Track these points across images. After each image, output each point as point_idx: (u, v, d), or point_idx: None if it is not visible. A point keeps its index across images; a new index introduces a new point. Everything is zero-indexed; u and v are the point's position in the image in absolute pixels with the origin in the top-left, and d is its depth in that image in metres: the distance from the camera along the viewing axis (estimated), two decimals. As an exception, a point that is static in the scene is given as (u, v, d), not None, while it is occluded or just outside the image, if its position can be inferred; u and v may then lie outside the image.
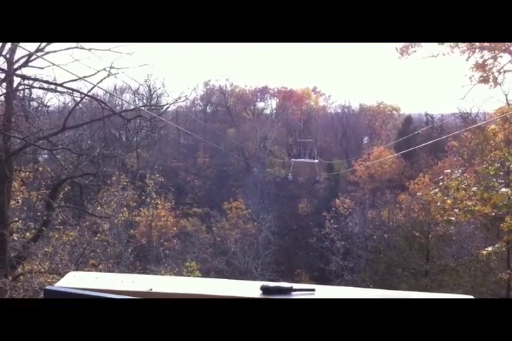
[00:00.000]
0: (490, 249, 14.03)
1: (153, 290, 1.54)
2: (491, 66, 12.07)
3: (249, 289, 1.58)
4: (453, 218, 15.02)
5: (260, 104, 52.99)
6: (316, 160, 40.51)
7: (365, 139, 50.48)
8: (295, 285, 1.58)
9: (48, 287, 1.39)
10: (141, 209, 24.99)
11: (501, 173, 14.05)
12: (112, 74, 12.41)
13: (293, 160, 41.91)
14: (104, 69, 12.21)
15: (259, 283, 1.58)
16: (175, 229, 28.27)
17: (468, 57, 11.62)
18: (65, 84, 12.39)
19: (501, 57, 11.43)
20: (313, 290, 1.59)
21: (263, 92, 52.41)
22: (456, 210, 14.34)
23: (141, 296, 1.33)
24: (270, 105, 53.89)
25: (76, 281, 1.60)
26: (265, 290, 1.55)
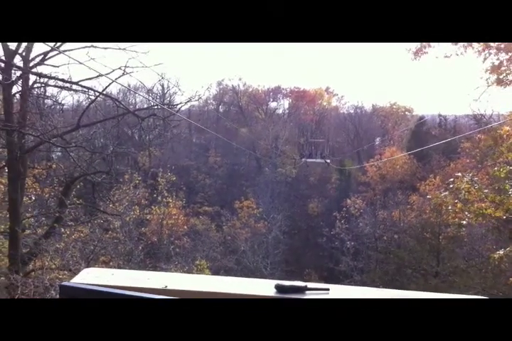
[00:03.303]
0: (501, 252, 13.84)
1: (169, 288, 1.54)
2: (505, 68, 11.93)
3: (264, 287, 1.57)
4: (464, 222, 14.86)
5: (273, 104, 53.20)
6: (328, 160, 40.52)
7: (378, 140, 50.20)
8: (309, 285, 1.57)
9: (64, 283, 1.39)
10: (153, 207, 25.08)
11: (512, 176, 13.86)
12: (127, 73, 12.41)
13: (304, 159, 41.92)
14: (120, 68, 12.20)
15: (274, 282, 1.58)
16: (185, 227, 28.31)
17: (485, 59, 11.48)
18: (80, 83, 12.48)
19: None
20: (328, 289, 1.58)
21: (276, 92, 52.44)
22: (467, 213, 14.19)
23: (157, 293, 1.34)
24: (283, 105, 54.05)
25: (91, 278, 1.60)
26: (280, 288, 1.55)
